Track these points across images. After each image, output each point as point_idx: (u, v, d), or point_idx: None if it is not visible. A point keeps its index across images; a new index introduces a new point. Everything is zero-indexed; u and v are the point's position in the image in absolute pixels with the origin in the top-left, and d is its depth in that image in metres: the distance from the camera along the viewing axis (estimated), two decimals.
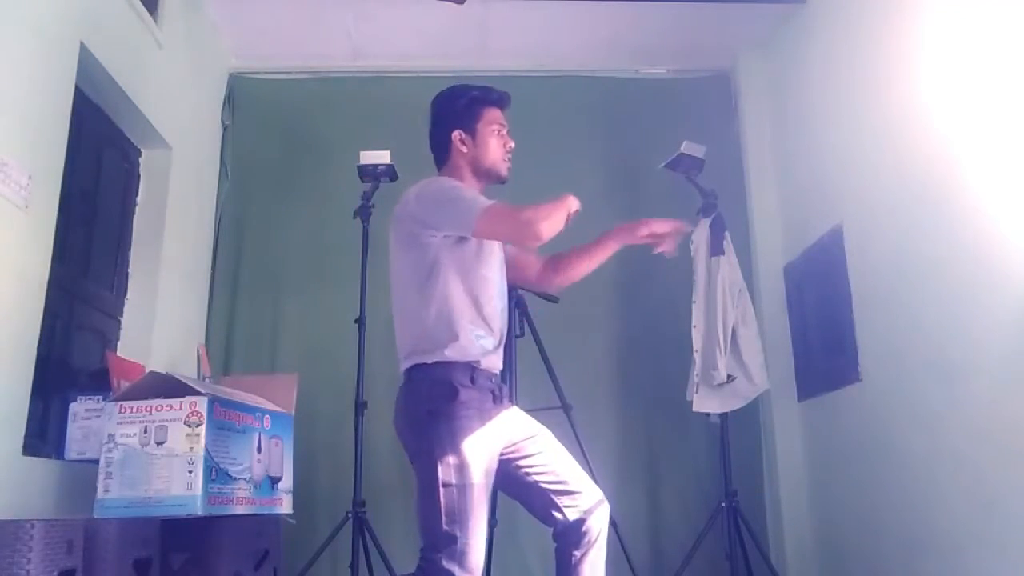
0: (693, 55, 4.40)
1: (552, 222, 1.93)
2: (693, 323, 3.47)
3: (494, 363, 2.04)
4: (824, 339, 3.68)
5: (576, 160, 4.23)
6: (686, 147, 3.45)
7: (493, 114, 2.17)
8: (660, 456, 3.95)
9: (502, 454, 2.00)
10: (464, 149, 2.14)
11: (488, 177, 2.17)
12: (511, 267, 2.27)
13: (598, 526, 1.99)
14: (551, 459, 2.04)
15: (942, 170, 2.74)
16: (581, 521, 1.98)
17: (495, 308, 2.06)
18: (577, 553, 1.98)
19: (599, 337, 4.10)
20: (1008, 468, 2.43)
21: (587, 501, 2.01)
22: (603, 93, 4.43)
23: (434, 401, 1.92)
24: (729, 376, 3.37)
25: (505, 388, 2.10)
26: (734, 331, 3.42)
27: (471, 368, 1.96)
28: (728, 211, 3.66)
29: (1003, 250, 2.44)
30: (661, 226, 2.20)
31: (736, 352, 3.42)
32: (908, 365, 2.96)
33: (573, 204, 1.99)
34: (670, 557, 3.67)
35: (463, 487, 1.86)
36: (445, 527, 1.84)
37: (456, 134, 2.14)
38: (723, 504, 3.32)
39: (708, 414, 3.46)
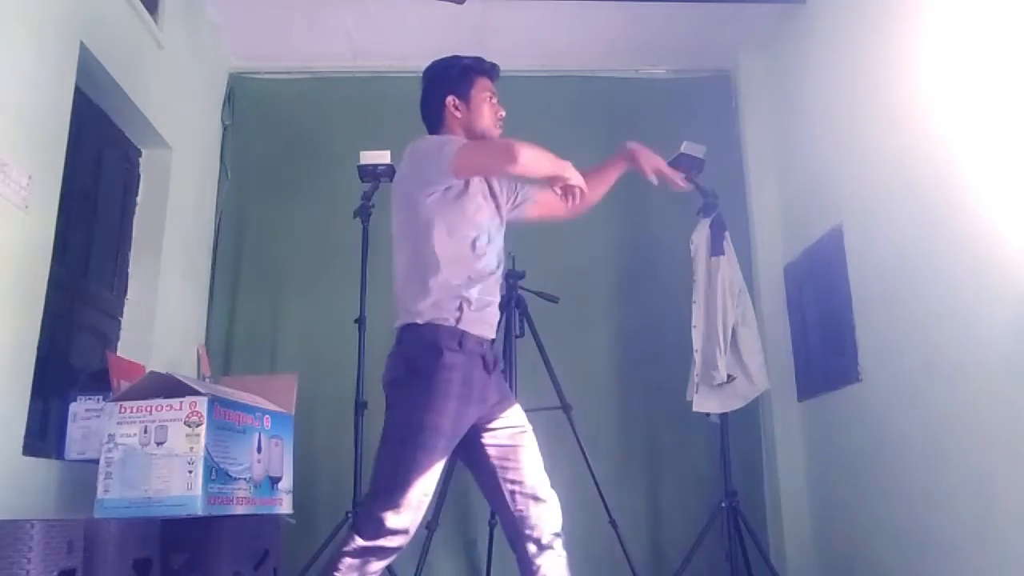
0: (693, 55, 4.40)
1: (535, 155, 1.94)
2: (693, 323, 3.47)
3: (484, 329, 2.05)
4: (824, 339, 3.68)
5: (576, 160, 4.21)
6: (686, 147, 3.45)
7: (485, 82, 2.23)
8: (660, 456, 3.95)
9: (483, 429, 2.01)
10: (458, 114, 2.18)
11: None
12: (538, 206, 2.31)
13: (548, 537, 1.97)
14: (526, 458, 2.03)
15: (942, 170, 2.74)
16: (532, 527, 1.97)
17: (485, 267, 2.07)
18: (537, 561, 1.96)
19: (599, 337, 4.10)
20: (1008, 468, 2.43)
21: (543, 511, 1.99)
22: (603, 93, 4.42)
23: (418, 360, 1.95)
24: (729, 376, 3.37)
25: (497, 359, 2.09)
26: (734, 331, 3.42)
27: (460, 333, 1.98)
28: (728, 211, 3.65)
29: (1003, 250, 2.44)
30: (661, 165, 2.31)
31: (736, 352, 3.42)
32: (908, 365, 2.96)
33: (570, 173, 2.01)
34: (670, 557, 3.67)
35: (420, 446, 1.88)
36: (389, 479, 1.88)
37: (450, 99, 2.18)
38: (723, 504, 3.32)
39: (708, 414, 3.46)
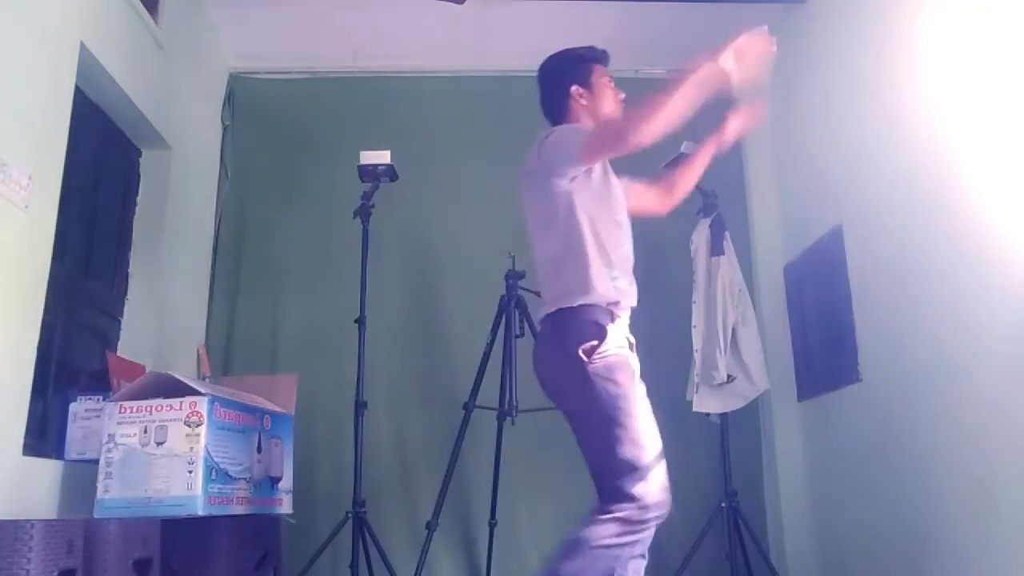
0: (693, 55, 4.39)
1: (653, 121, 1.93)
2: (693, 323, 3.47)
3: (631, 301, 2.15)
4: (824, 339, 3.68)
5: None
6: (686, 147, 3.44)
7: (601, 68, 2.31)
8: None
9: None
10: (584, 102, 2.26)
11: None
12: (631, 197, 2.35)
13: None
14: None
15: (942, 170, 2.74)
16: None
17: (627, 250, 2.17)
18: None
19: None
20: (1008, 468, 2.43)
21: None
22: None
23: (584, 341, 2.00)
24: (729, 376, 3.37)
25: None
26: (734, 331, 3.42)
27: (612, 312, 2.06)
28: (728, 211, 3.65)
29: (1003, 250, 2.44)
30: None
31: (736, 352, 3.42)
32: (908, 365, 2.96)
33: (708, 79, 2.02)
34: (670, 557, 3.67)
35: (628, 414, 1.94)
36: (621, 454, 1.91)
37: (574, 89, 2.26)
38: (723, 504, 3.32)
39: (708, 414, 3.46)
